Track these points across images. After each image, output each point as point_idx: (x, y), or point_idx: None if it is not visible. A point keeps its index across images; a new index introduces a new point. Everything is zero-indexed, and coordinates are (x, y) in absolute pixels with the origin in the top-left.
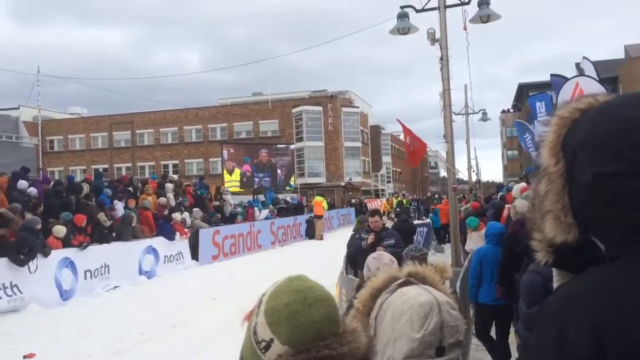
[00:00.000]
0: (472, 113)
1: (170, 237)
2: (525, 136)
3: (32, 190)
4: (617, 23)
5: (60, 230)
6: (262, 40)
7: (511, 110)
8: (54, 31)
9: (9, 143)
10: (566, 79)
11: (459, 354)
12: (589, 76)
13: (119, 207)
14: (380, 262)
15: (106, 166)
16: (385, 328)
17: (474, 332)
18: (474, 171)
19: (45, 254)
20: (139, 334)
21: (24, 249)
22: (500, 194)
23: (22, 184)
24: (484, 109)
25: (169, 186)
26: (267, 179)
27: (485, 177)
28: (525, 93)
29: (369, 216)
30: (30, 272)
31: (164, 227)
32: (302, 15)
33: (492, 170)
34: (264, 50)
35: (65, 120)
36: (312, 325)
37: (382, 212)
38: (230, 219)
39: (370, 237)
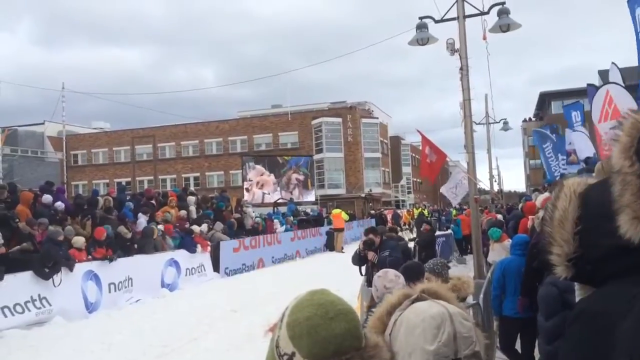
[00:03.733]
0: (493, 123)
1: (192, 249)
2: (545, 145)
3: (59, 205)
4: (627, 30)
5: (78, 240)
6: (276, 57)
7: (533, 119)
8: (76, 52)
9: (35, 158)
10: (597, 88)
11: None
12: (615, 83)
13: (142, 220)
14: (386, 279)
15: (129, 179)
16: (399, 344)
17: (498, 345)
18: (495, 181)
19: (70, 267)
20: (162, 347)
21: (48, 262)
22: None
23: (47, 198)
24: (505, 119)
25: (191, 199)
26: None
27: (507, 187)
28: (547, 102)
29: (364, 234)
30: (54, 286)
31: (185, 240)
32: (315, 30)
33: (514, 180)
34: (279, 65)
35: (89, 134)
36: (333, 339)
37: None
38: (252, 232)
39: (370, 254)
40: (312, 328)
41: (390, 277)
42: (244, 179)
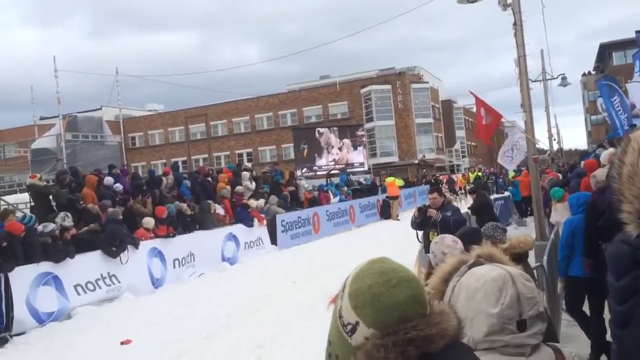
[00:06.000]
0: (551, 79)
1: (249, 223)
2: (613, 98)
3: (119, 186)
4: None
5: (149, 221)
6: (318, 32)
7: (593, 72)
8: (127, 41)
9: (95, 142)
10: None
11: (543, 327)
12: None
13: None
14: (443, 244)
15: (184, 158)
16: (460, 309)
17: (563, 307)
18: (555, 140)
19: (137, 245)
20: (226, 318)
21: (115, 241)
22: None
23: (109, 180)
24: (563, 74)
25: (245, 174)
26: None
27: (567, 145)
28: (608, 53)
29: (428, 193)
30: (122, 263)
31: (242, 215)
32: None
33: (574, 137)
34: (322, 40)
35: (144, 117)
36: (397, 306)
37: (457, 189)
38: (306, 204)
39: (432, 212)
40: (375, 297)
41: (447, 243)
42: (295, 152)
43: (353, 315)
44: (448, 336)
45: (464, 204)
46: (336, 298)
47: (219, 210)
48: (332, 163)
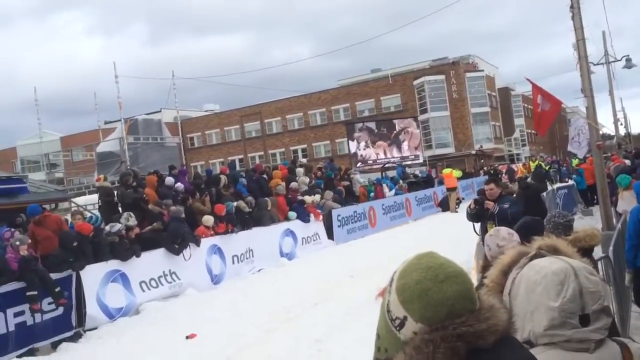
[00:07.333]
0: (614, 61)
1: (305, 219)
2: None
3: (179, 186)
4: None
5: (208, 219)
6: (367, 26)
7: None
8: (183, 45)
9: (155, 144)
10: None
11: (608, 322)
12: None
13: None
14: (498, 237)
15: (241, 156)
16: (520, 302)
17: (632, 299)
18: (621, 124)
19: (198, 243)
20: (286, 313)
21: (177, 239)
22: None
23: (169, 180)
24: (628, 55)
25: (300, 170)
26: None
27: (636, 129)
28: None
29: (485, 184)
30: (185, 260)
31: (299, 210)
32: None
33: None
34: (371, 34)
35: (201, 117)
36: (445, 302)
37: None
38: (362, 198)
39: (489, 204)
40: (423, 292)
41: (502, 235)
42: (349, 147)
43: (401, 309)
44: (498, 332)
45: None
46: (384, 292)
47: None
48: (386, 157)
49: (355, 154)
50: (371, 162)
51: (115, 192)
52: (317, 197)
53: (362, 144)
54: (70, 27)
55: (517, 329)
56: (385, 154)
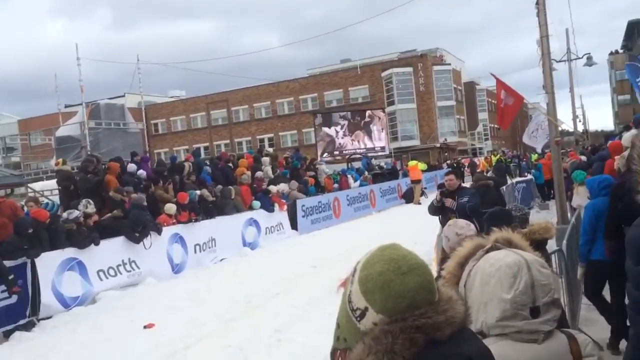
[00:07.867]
0: (576, 59)
1: (270, 209)
2: (638, 79)
3: (142, 173)
4: None
5: (171, 207)
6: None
7: (620, 51)
8: (148, 29)
9: (117, 129)
10: None
11: (557, 314)
12: None
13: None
14: (456, 226)
15: (207, 144)
16: (475, 294)
17: (583, 291)
18: (580, 121)
19: (159, 231)
20: (247, 303)
21: (138, 227)
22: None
23: (132, 167)
24: (589, 53)
25: (266, 160)
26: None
27: (593, 126)
28: (637, 31)
29: (444, 175)
30: (145, 248)
31: (263, 200)
32: None
33: (601, 118)
34: (342, 24)
35: (166, 103)
36: (406, 293)
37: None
38: (326, 189)
39: (448, 201)
40: (385, 283)
41: (460, 224)
42: (316, 137)
43: (362, 300)
44: (455, 324)
45: None
46: (346, 282)
47: None
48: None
49: (333, 140)
50: (346, 152)
51: (75, 178)
52: (283, 186)
53: (341, 132)
54: (33, 8)
55: (472, 321)
56: (361, 143)
